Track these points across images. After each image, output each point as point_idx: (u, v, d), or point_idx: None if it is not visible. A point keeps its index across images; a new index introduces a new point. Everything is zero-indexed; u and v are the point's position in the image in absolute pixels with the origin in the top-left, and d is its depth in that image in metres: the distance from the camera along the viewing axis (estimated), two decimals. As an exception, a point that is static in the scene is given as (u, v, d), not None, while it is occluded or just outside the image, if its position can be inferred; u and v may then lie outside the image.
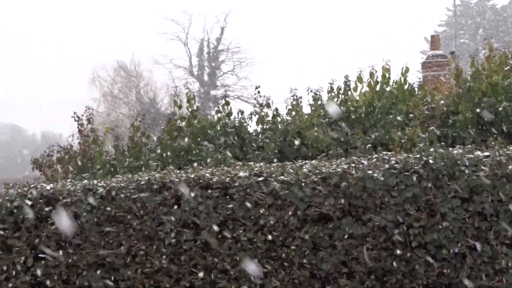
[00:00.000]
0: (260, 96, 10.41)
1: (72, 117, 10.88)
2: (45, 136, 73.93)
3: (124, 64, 47.23)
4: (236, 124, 10.12)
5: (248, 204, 6.00)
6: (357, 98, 10.42)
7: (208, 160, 8.73)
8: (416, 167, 5.83)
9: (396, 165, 5.89)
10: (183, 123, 10.09)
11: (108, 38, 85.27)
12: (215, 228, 6.04)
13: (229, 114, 10.27)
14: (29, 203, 6.39)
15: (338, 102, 10.36)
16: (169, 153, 9.44)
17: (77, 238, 6.30)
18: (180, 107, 10.37)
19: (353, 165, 6.06)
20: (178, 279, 6.15)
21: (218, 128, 10.14)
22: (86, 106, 10.73)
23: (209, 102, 42.68)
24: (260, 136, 10.07)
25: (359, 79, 10.45)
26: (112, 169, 9.76)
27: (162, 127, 10.72)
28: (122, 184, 6.32)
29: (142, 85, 47.37)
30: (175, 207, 6.14)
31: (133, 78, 46.83)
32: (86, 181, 6.65)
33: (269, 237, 5.97)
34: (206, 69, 48.68)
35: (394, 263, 5.79)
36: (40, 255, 6.37)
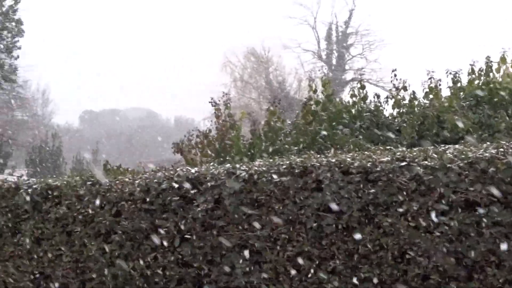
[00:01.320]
0: (396, 79, 10.22)
1: (209, 102, 11.24)
2: (178, 121, 76.76)
3: (253, 50, 47.98)
4: (372, 108, 10.01)
5: (390, 189, 5.91)
6: (500, 79, 9.98)
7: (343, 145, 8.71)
8: None
9: (551, 149, 5.59)
10: (318, 108, 10.11)
11: (238, 23, 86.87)
12: (357, 213, 6.01)
13: (365, 98, 10.18)
14: (176, 185, 6.64)
15: (480, 84, 9.98)
16: (304, 138, 9.51)
17: (221, 220, 6.48)
18: (315, 91, 10.39)
19: (501, 150, 5.81)
20: (320, 263, 6.18)
21: (354, 112, 10.08)
22: (223, 92, 11.04)
23: (338, 85, 42.38)
24: (396, 120, 9.91)
25: (502, 59, 10.00)
26: (248, 153, 9.97)
27: (297, 112, 10.80)
28: (264, 168, 6.42)
29: (271, 69, 47.96)
30: (316, 191, 6.16)
31: (263, 63, 47.43)
32: (228, 165, 6.81)
33: (412, 223, 5.86)
34: (334, 53, 48.42)
35: (548, 253, 5.50)
36: (186, 236, 6.61)
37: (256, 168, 6.48)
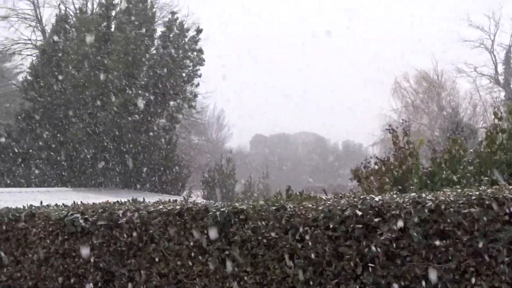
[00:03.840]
0: None
1: (387, 129, 11.16)
2: (346, 146, 76.83)
3: (426, 74, 46.93)
4: None
5: None
6: None
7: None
8: None
9: None
10: (504, 136, 9.66)
11: (411, 47, 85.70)
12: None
13: (556, 126, 9.58)
14: (359, 213, 6.65)
15: None
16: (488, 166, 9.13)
17: (405, 250, 6.39)
18: (500, 119, 9.95)
19: None
20: (511, 300, 5.90)
21: (543, 141, 9.52)
22: (402, 119, 10.91)
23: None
24: None
25: None
26: (428, 181, 9.74)
27: (480, 139, 10.42)
28: (451, 198, 6.26)
29: (444, 95, 46.57)
30: (508, 224, 5.90)
31: (435, 88, 46.24)
32: (414, 193, 6.71)
33: None
34: (513, 77, 46.06)
35: None
36: (369, 264, 6.59)
37: (443, 198, 6.33)
